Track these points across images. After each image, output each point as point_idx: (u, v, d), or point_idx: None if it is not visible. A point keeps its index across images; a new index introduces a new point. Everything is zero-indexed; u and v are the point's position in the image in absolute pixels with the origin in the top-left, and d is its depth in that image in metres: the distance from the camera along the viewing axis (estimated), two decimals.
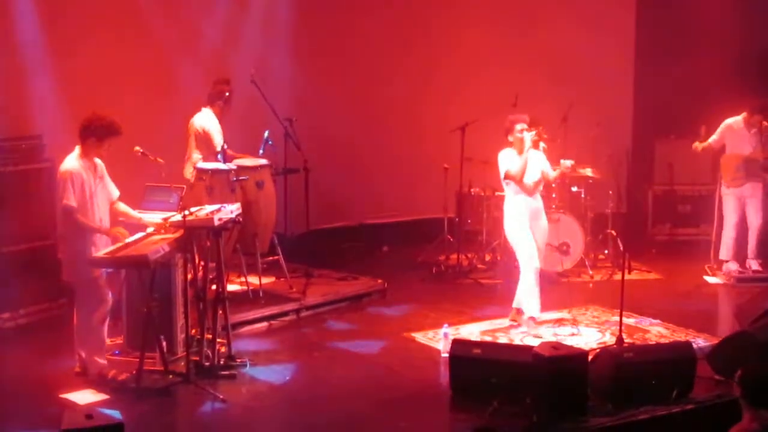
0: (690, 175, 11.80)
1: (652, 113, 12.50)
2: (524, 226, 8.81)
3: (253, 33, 11.09)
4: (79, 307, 7.56)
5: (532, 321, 8.80)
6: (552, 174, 9.03)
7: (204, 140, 9.48)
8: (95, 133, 7.39)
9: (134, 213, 7.76)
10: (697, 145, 10.64)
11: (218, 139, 9.43)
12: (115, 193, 7.68)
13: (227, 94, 9.56)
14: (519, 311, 8.92)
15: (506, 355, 7.40)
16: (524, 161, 8.74)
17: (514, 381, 6.92)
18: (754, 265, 10.52)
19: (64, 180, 7.31)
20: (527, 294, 8.80)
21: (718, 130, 10.58)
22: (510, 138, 8.87)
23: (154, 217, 7.80)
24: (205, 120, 9.50)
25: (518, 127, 8.82)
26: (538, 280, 8.84)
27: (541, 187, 9.03)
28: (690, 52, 11.77)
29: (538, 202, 8.97)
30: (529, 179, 8.82)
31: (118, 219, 7.80)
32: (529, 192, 8.83)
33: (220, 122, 9.60)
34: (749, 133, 10.48)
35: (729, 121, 10.55)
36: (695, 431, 6.60)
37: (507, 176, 8.80)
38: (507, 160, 8.83)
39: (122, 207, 7.74)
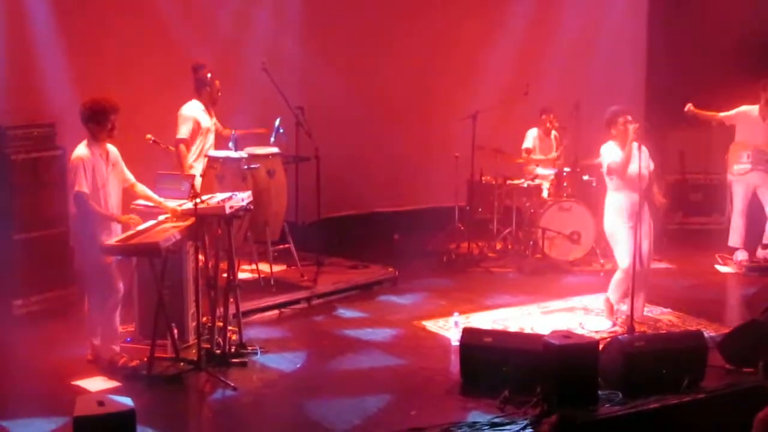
0: (701, 163, 11.77)
1: (664, 102, 12.45)
2: (624, 224, 8.47)
3: (265, 21, 11.09)
4: (90, 295, 7.59)
5: (607, 302, 8.72)
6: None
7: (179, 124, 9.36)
8: (93, 119, 7.42)
9: (154, 195, 7.77)
10: (690, 107, 10.56)
11: (183, 131, 9.21)
12: (130, 178, 7.69)
13: (209, 75, 9.33)
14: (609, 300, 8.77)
15: (517, 343, 7.40)
16: (627, 154, 8.38)
17: (525, 370, 6.92)
18: (760, 253, 10.54)
19: (75, 167, 7.34)
20: (614, 286, 8.63)
21: (735, 110, 10.59)
22: (612, 131, 8.53)
23: (171, 203, 7.80)
24: (185, 108, 9.33)
25: (621, 119, 8.50)
26: (627, 279, 8.38)
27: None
28: (702, 41, 11.72)
29: (636, 198, 8.44)
30: (633, 172, 8.39)
31: (131, 204, 7.83)
32: (632, 187, 8.43)
33: (209, 108, 9.40)
34: (763, 123, 10.45)
35: (748, 107, 10.54)
36: (706, 421, 6.59)
37: (610, 170, 8.53)
38: (609, 153, 8.54)
39: (141, 190, 7.75)
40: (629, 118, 8.47)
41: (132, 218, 7.53)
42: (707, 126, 10.93)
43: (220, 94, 9.43)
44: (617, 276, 8.63)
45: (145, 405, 6.56)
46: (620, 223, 8.48)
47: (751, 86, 10.54)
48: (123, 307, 7.70)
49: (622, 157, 8.40)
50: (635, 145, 8.38)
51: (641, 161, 8.33)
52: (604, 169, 8.59)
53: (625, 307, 8.58)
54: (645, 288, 8.64)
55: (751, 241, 10.66)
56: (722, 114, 10.62)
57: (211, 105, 9.44)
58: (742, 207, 10.54)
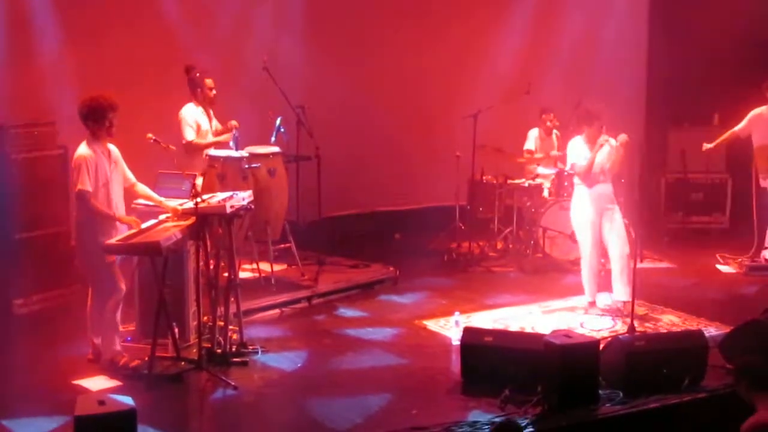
0: (703, 163, 11.74)
1: (665, 101, 12.46)
2: (588, 217, 8.80)
3: (266, 20, 11.09)
4: (92, 294, 7.60)
5: (591, 305, 8.94)
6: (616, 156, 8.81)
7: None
8: (90, 116, 7.43)
9: (155, 195, 7.78)
10: (707, 146, 10.60)
11: (188, 134, 9.25)
12: (131, 178, 7.69)
13: (198, 74, 9.33)
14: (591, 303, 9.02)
15: (518, 343, 7.40)
16: (592, 160, 8.68)
17: (526, 369, 6.92)
18: None
19: (78, 165, 7.34)
20: (585, 281, 8.93)
21: (746, 119, 10.54)
22: (585, 129, 8.78)
23: (172, 202, 7.80)
24: (184, 111, 9.35)
25: (597, 124, 8.73)
26: (594, 270, 8.90)
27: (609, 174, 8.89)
28: (704, 40, 11.71)
29: (606, 190, 8.84)
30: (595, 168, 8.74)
31: (131, 204, 7.83)
32: (592, 183, 8.75)
33: (207, 109, 9.41)
34: None
35: (758, 110, 10.49)
36: (706, 420, 6.60)
37: (572, 170, 8.87)
38: (575, 151, 8.82)
39: (142, 189, 7.76)
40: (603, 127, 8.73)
41: (134, 220, 7.53)
42: (709, 125, 10.91)
43: (214, 92, 9.41)
44: (583, 272, 8.96)
45: (145, 404, 6.55)
46: (585, 216, 8.79)
47: (752, 85, 10.52)
48: (124, 306, 7.70)
49: (588, 161, 8.67)
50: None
51: (605, 156, 8.70)
52: (568, 166, 8.92)
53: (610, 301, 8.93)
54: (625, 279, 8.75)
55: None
56: (736, 128, 10.58)
57: (208, 105, 9.43)
58: None
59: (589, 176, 8.76)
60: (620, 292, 8.78)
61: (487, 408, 6.79)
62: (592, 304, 8.95)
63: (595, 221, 8.81)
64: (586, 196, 8.81)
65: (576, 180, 8.95)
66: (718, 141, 10.72)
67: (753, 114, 10.52)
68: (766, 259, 10.43)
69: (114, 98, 7.48)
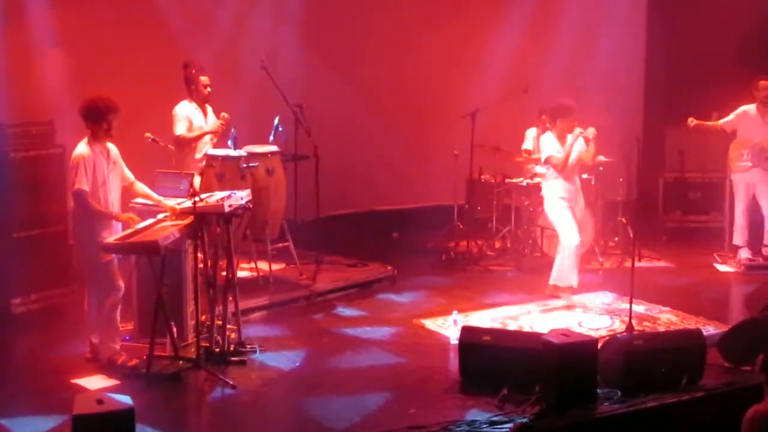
0: (701, 162, 11.76)
1: (663, 100, 12.46)
2: (564, 206, 9.12)
3: (264, 19, 11.09)
4: (89, 293, 7.60)
5: (569, 290, 9.22)
6: (590, 152, 9.26)
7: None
8: (89, 117, 7.45)
9: (154, 194, 7.77)
10: (692, 120, 10.61)
11: (178, 128, 9.23)
12: (130, 177, 7.69)
13: (194, 71, 9.33)
14: (556, 287, 9.26)
15: (516, 342, 7.40)
16: (568, 152, 9.04)
17: (524, 368, 6.92)
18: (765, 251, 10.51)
19: (76, 165, 7.35)
20: (569, 268, 9.14)
21: (734, 113, 10.58)
22: (559, 123, 9.17)
23: (170, 201, 7.79)
24: (177, 107, 9.33)
25: (571, 118, 9.12)
26: (578, 255, 9.19)
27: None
28: (701, 39, 11.73)
29: (576, 184, 9.26)
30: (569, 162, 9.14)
31: (129, 203, 7.83)
32: (567, 176, 9.13)
33: (202, 106, 9.39)
34: (763, 121, 10.45)
35: (746, 107, 10.52)
36: (705, 419, 6.59)
37: (548, 161, 9.11)
38: (549, 145, 9.11)
39: (141, 188, 7.76)
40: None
41: (131, 217, 7.53)
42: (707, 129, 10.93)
43: (209, 89, 9.37)
44: (564, 253, 9.18)
45: (144, 403, 6.56)
46: (560, 205, 9.14)
47: (751, 85, 10.53)
48: (122, 305, 7.70)
49: (563, 154, 9.04)
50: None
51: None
52: (543, 159, 9.21)
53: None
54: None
55: (752, 240, 10.63)
56: (721, 121, 10.62)
57: (202, 102, 9.41)
58: (744, 205, 10.52)
59: (566, 169, 9.07)
60: (574, 279, 9.18)
61: (486, 407, 6.79)
62: (573, 290, 9.19)
63: (569, 206, 9.14)
64: (560, 188, 9.13)
65: (549, 174, 9.20)
66: (704, 122, 10.69)
67: (741, 110, 10.56)
68: (741, 261, 10.43)
69: (113, 101, 7.47)
